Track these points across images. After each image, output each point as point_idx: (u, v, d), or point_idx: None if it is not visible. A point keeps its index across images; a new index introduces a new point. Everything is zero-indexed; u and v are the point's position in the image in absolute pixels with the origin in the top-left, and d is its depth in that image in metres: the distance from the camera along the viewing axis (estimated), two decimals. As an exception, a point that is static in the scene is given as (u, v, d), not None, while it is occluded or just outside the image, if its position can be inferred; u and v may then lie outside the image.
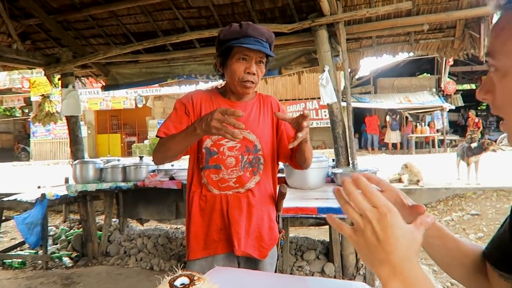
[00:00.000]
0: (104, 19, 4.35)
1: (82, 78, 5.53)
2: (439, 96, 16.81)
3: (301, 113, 1.31)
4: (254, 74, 1.49)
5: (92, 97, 18.17)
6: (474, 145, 6.87)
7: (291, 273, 3.34)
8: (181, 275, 0.83)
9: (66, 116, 4.68)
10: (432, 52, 4.45)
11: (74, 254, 4.38)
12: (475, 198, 5.98)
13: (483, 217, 5.27)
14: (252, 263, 1.57)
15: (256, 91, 1.69)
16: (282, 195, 1.64)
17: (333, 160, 3.65)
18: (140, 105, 17.21)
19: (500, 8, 0.59)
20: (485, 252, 0.75)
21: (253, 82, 1.51)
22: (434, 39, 4.15)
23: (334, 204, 2.40)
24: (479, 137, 12.42)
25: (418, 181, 6.72)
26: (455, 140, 15.61)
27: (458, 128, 18.69)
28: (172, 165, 4.33)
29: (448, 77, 17.31)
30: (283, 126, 1.65)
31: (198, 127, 1.28)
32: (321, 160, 3.18)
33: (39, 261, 4.20)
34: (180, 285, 0.80)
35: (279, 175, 3.52)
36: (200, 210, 1.59)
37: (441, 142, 15.39)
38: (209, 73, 4.55)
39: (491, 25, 0.57)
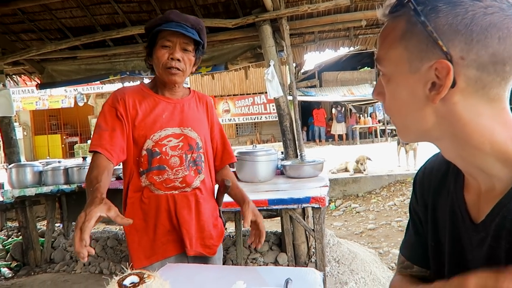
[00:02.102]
0: (35, 13, 4.05)
1: (13, 76, 5.15)
2: (379, 88, 17.68)
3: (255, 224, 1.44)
4: (179, 60, 1.42)
5: (27, 96, 16.94)
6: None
7: (245, 266, 3.38)
8: (130, 274, 0.82)
9: (-3, 117, 4.34)
10: (371, 46, 4.69)
11: (14, 264, 4.10)
12: (414, 182, 6.40)
13: (422, 200, 5.67)
14: (202, 261, 1.54)
15: (189, 88, 1.64)
16: (226, 189, 1.60)
17: (282, 153, 3.73)
18: (80, 104, 16.35)
19: (385, 17, 0.64)
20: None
21: (179, 69, 1.43)
22: (372, 34, 4.37)
23: (284, 195, 2.47)
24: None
25: (363, 170, 7.04)
26: (395, 130, 16.54)
27: (397, 118, 19.80)
28: (119, 165, 4.18)
29: (387, 70, 18.27)
30: (214, 133, 1.65)
31: (86, 206, 1.10)
32: (270, 153, 3.24)
33: (-26, 275, 3.88)
34: (130, 284, 0.79)
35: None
36: (143, 214, 1.48)
37: (383, 132, 16.26)
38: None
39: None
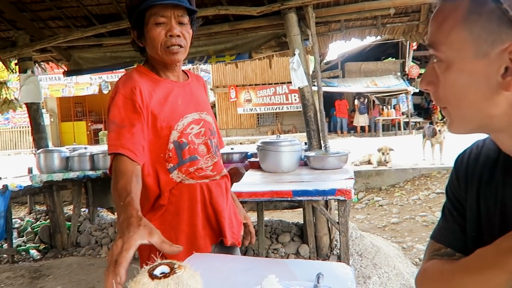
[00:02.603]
0: (63, 0, 4.11)
1: (41, 63, 5.26)
2: (403, 80, 17.27)
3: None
4: (178, 36, 1.26)
5: (54, 83, 17.37)
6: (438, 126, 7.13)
7: (266, 256, 3.37)
8: (160, 264, 0.81)
9: (26, 104, 4.46)
10: (398, 36, 4.55)
11: (42, 246, 4.24)
12: (440, 177, 6.23)
13: (447, 195, 5.53)
14: (227, 252, 1.45)
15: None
16: (240, 176, 1.55)
17: (305, 143, 3.68)
18: (105, 91, 16.63)
19: None
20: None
21: (180, 46, 1.27)
22: (400, 23, 4.23)
23: (309, 187, 2.43)
24: (440, 118, 12.83)
25: (386, 162, 6.91)
26: (419, 122, 16.15)
27: (422, 110, 19.32)
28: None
29: (412, 61, 17.78)
30: None
31: (121, 230, 0.88)
32: (294, 143, 3.19)
33: (4, 255, 4.03)
34: (160, 274, 0.78)
35: (253, 159, 3.52)
36: (174, 208, 1.32)
37: (406, 124, 15.90)
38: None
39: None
